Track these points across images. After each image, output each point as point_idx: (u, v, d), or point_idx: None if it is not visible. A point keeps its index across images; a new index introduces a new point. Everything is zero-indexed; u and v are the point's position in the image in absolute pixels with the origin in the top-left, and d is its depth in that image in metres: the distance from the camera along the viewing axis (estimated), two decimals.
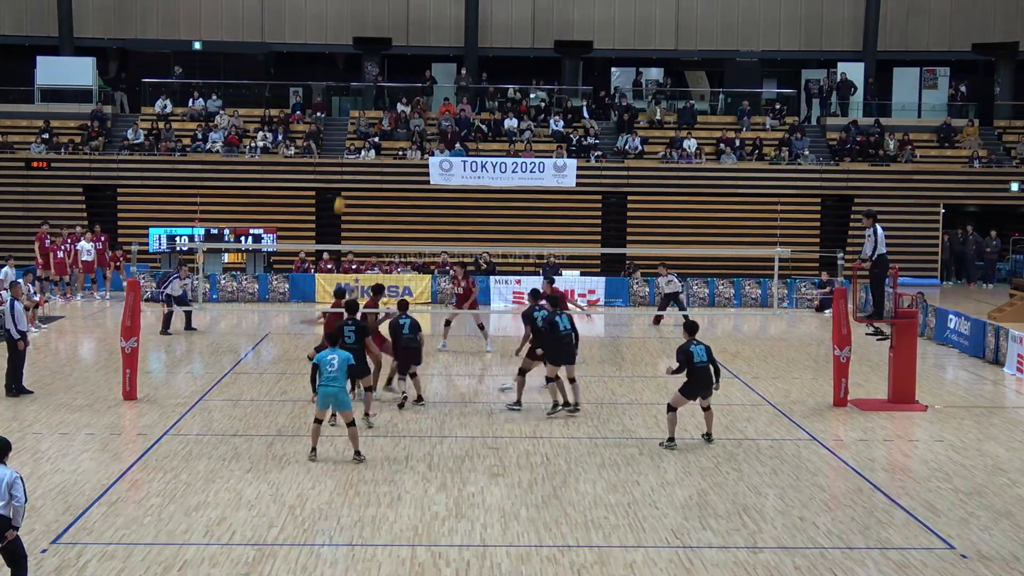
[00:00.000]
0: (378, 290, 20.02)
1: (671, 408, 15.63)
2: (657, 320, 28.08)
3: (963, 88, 40.92)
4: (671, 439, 15.54)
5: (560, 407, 17.38)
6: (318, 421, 14.68)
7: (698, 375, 15.45)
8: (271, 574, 10.78)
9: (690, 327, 15.85)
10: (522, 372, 17.77)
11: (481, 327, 23.48)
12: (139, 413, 17.44)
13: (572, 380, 17.51)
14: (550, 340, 17.25)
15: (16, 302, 18.39)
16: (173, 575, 10.73)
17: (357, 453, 14.55)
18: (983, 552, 11.65)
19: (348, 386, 14.76)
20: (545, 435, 16.28)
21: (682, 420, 17.00)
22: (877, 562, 11.32)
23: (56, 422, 16.66)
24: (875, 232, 18.14)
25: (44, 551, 11.17)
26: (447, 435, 16.26)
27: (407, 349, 17.71)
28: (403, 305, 18.18)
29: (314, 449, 14.65)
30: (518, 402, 17.73)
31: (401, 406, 17.72)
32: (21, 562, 9.77)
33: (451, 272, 25.08)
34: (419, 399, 18.06)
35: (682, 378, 15.66)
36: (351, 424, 14.57)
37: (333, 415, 15.84)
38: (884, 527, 12.43)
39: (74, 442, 15.54)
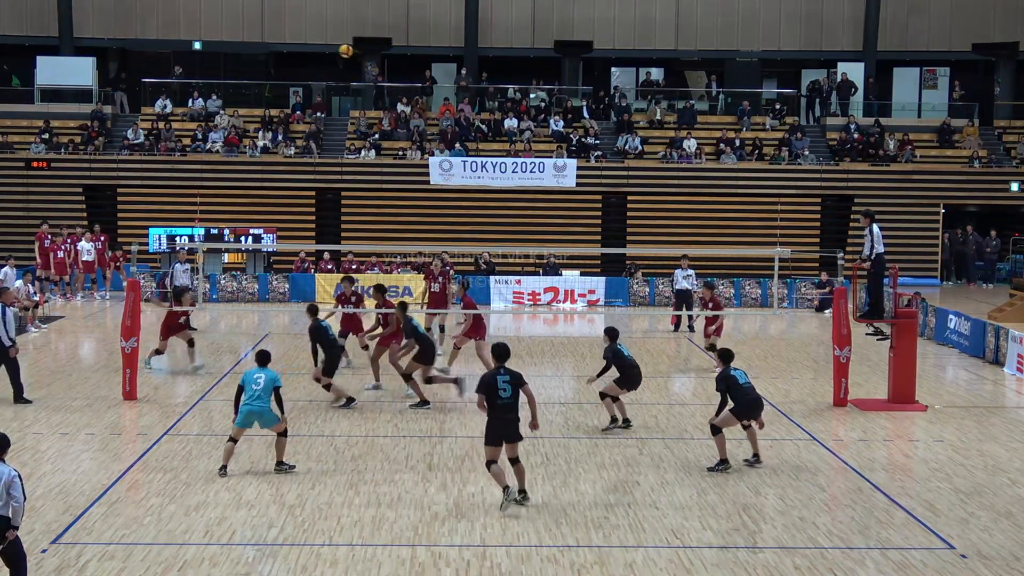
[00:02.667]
0: (380, 289, 20.09)
1: (717, 431, 14.55)
2: (677, 325, 27.57)
3: (956, 87, 40.89)
4: (723, 461, 14.50)
5: (618, 423, 16.70)
6: (232, 440, 14.06)
7: (747, 396, 14.48)
8: (271, 574, 10.78)
9: (725, 355, 15.07)
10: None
11: (442, 328, 23.29)
12: (139, 413, 17.44)
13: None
14: (622, 369, 16.62)
15: (7, 309, 18.12)
16: (173, 575, 10.73)
17: (280, 464, 14.06)
18: (983, 552, 11.65)
19: (273, 405, 13.96)
20: (545, 435, 16.27)
21: (681, 419, 17.02)
22: (877, 562, 11.32)
23: (56, 422, 16.66)
24: (872, 232, 18.15)
25: (44, 551, 11.18)
26: (447, 435, 16.26)
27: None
28: (403, 306, 18.25)
29: (224, 467, 13.97)
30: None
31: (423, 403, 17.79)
32: (20, 562, 9.76)
33: (425, 270, 24.53)
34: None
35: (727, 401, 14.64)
36: (282, 434, 14.10)
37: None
38: (884, 527, 12.43)
39: (74, 442, 15.54)
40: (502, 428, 12.68)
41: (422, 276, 31.13)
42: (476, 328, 20.31)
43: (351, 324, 21.22)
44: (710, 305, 22.38)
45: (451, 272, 24.72)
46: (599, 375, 16.74)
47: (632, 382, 16.55)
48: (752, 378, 19.99)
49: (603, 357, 16.64)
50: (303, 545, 11.53)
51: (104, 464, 14.45)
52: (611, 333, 16.82)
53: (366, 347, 20.85)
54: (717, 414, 14.57)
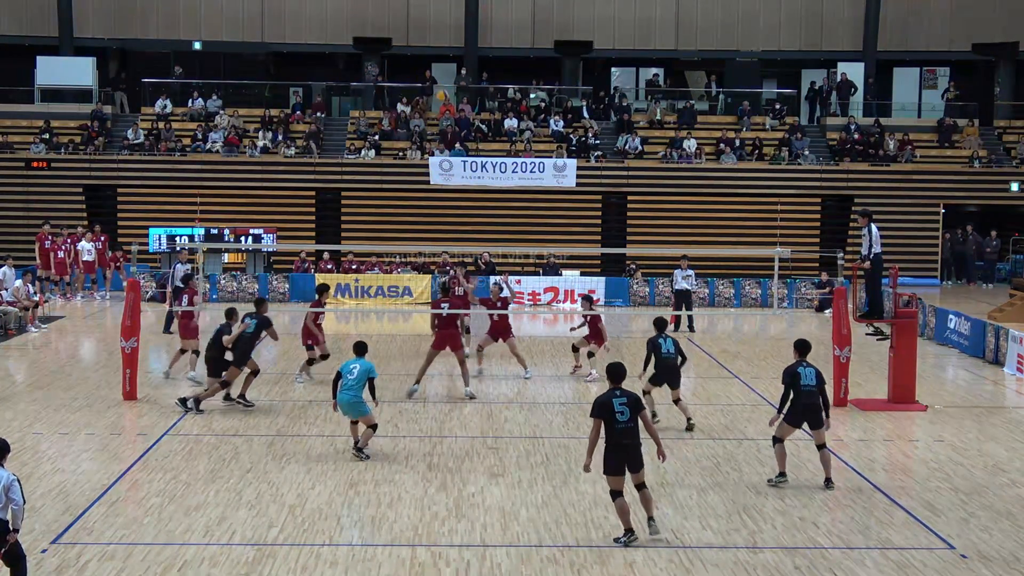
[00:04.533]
0: (322, 290, 20.61)
1: (777, 440, 13.77)
2: (676, 324, 27.63)
3: (951, 88, 40.89)
4: (782, 474, 13.81)
5: (657, 418, 16.26)
6: (354, 422, 14.91)
7: (804, 399, 13.55)
8: (271, 574, 10.78)
9: (801, 347, 14.11)
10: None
11: (467, 330, 23.35)
12: (139, 413, 17.44)
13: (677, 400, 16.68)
14: (656, 363, 16.53)
15: None
16: (173, 575, 10.73)
17: (359, 450, 14.69)
18: (983, 552, 11.64)
19: (366, 394, 14.61)
20: (545, 435, 16.28)
21: (681, 419, 17.00)
22: (877, 562, 11.32)
23: (56, 422, 16.66)
24: (870, 232, 18.15)
25: (44, 551, 11.18)
26: (447, 435, 16.26)
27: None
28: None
29: (356, 445, 14.79)
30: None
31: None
32: (20, 563, 9.77)
33: (451, 273, 24.84)
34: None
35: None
36: (372, 427, 14.77)
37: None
38: (884, 527, 12.43)
39: (74, 442, 15.54)
40: (623, 455, 11.49)
41: (428, 276, 31.28)
42: (501, 330, 20.46)
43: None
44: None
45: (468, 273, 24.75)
46: (644, 368, 16.71)
47: (658, 379, 16.37)
48: (752, 378, 19.98)
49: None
50: (303, 545, 11.53)
51: (104, 464, 14.45)
52: (657, 324, 16.87)
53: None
54: (779, 411, 13.71)
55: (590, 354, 20.60)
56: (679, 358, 16.58)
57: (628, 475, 11.55)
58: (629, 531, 11.57)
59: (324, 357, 19.86)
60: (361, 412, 14.66)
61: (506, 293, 22.14)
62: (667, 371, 16.44)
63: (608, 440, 11.52)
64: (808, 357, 14.08)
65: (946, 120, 39.55)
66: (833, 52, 42.34)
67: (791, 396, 13.61)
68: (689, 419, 16.71)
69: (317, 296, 20.76)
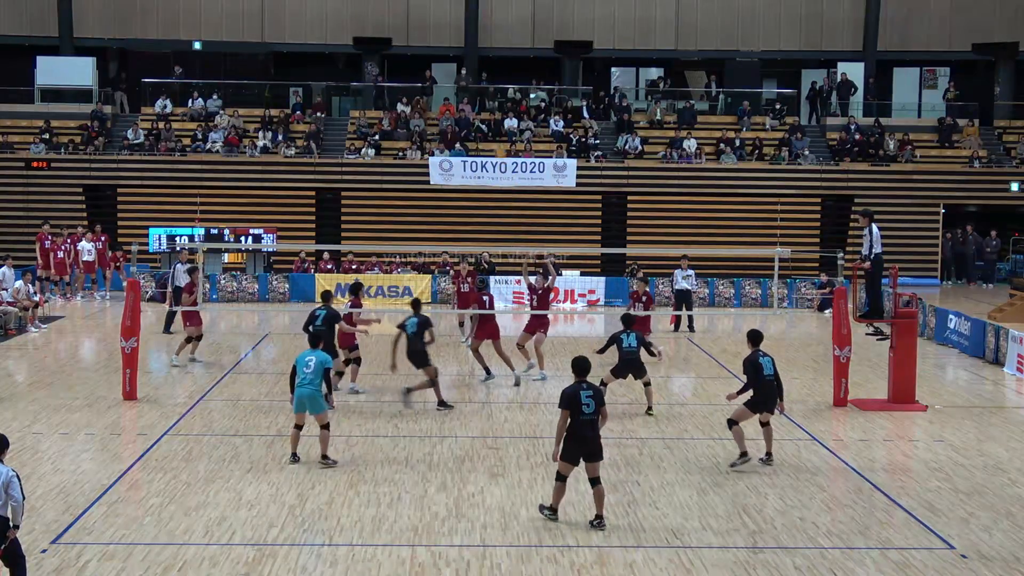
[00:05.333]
0: (356, 288, 20.10)
1: (733, 422, 14.46)
2: (677, 324, 27.48)
3: (951, 88, 40.89)
4: (743, 454, 14.35)
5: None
6: (297, 427, 14.51)
7: (765, 388, 14.45)
8: (271, 574, 10.78)
9: (754, 337, 14.80)
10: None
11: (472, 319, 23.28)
12: (139, 413, 17.44)
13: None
14: (619, 356, 17.47)
15: None
16: (173, 575, 10.73)
17: (324, 457, 14.31)
18: (983, 552, 11.65)
19: (324, 389, 14.41)
20: (545, 435, 16.27)
21: (681, 419, 17.01)
22: (877, 562, 11.32)
23: (56, 422, 16.66)
24: (871, 232, 18.16)
25: (44, 551, 11.17)
26: (447, 435, 16.26)
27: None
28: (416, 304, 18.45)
29: (294, 453, 14.46)
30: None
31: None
32: (20, 562, 9.77)
33: (452, 272, 24.86)
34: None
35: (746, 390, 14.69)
36: (324, 427, 14.37)
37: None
38: (884, 527, 12.43)
39: (74, 442, 15.54)
40: (583, 445, 11.96)
41: (428, 276, 31.27)
42: (486, 328, 20.37)
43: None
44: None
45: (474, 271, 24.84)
46: (601, 351, 17.41)
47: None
48: None
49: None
50: (303, 545, 11.53)
51: (104, 464, 14.45)
52: (624, 320, 17.25)
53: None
54: (741, 392, 14.64)
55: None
56: (641, 351, 17.40)
57: (585, 466, 12.05)
58: (553, 510, 12.30)
59: (358, 360, 19.37)
60: (318, 408, 14.32)
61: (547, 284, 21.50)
62: (629, 364, 17.40)
63: (571, 430, 11.96)
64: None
65: (946, 120, 39.55)
66: (833, 52, 42.33)
67: (755, 385, 14.45)
68: (650, 407, 17.60)
69: (353, 295, 19.85)
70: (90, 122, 37.76)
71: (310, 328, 17.48)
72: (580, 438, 11.92)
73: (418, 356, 17.70)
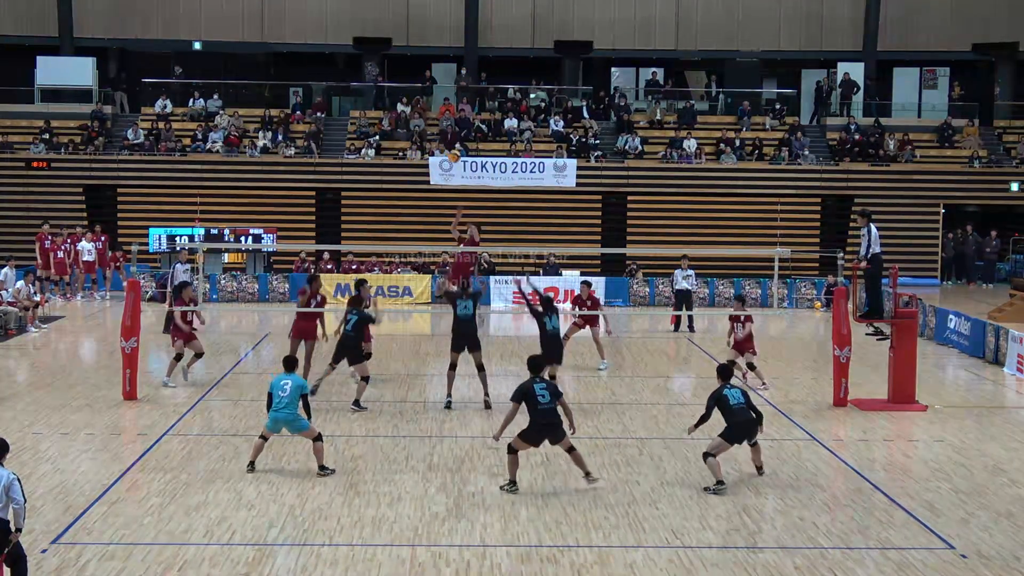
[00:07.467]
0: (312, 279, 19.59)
1: (709, 455, 13.75)
2: (677, 324, 27.41)
3: (956, 87, 40.86)
4: (720, 482, 13.63)
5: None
6: (263, 437, 14.20)
7: (737, 418, 13.70)
8: (271, 574, 10.78)
9: (722, 371, 14.29)
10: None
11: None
12: (139, 413, 17.44)
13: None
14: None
15: None
16: (173, 575, 10.73)
17: (321, 467, 14.03)
18: (983, 552, 11.65)
19: (301, 411, 13.95)
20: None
21: (681, 419, 17.00)
22: (877, 562, 11.32)
23: (56, 422, 16.66)
24: (869, 232, 18.17)
25: (44, 551, 11.17)
26: (447, 435, 16.26)
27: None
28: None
29: (252, 463, 14.11)
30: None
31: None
32: (20, 563, 9.77)
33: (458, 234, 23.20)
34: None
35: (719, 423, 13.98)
36: (317, 439, 14.11)
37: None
38: (884, 527, 12.43)
39: (74, 442, 15.54)
40: (544, 431, 13.30)
41: (428, 276, 31.24)
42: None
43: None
44: (743, 321, 20.40)
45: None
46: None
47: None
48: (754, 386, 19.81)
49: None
50: (303, 545, 11.53)
51: (104, 464, 14.45)
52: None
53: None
54: (696, 426, 13.93)
55: (751, 366, 19.83)
56: (563, 334, 18.86)
57: (558, 447, 13.52)
58: (513, 482, 13.37)
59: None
60: (301, 427, 14.02)
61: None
62: (550, 344, 18.28)
63: (533, 419, 13.22)
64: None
65: (946, 120, 39.53)
66: (833, 52, 42.29)
67: (726, 417, 13.69)
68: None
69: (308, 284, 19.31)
70: (90, 122, 37.75)
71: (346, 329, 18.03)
72: (541, 425, 13.20)
73: (352, 352, 17.92)
